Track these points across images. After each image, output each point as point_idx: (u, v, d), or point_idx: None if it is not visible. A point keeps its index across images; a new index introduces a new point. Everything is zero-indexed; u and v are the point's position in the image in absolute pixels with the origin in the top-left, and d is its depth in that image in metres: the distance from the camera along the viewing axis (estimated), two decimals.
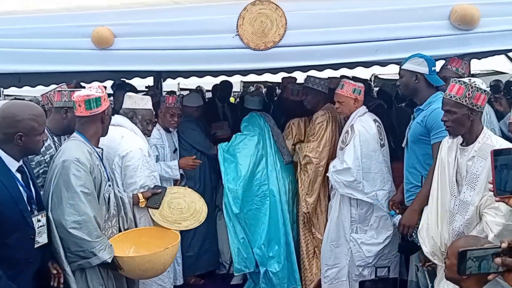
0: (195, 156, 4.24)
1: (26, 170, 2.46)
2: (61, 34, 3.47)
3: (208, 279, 4.67)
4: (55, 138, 3.10)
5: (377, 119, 3.84)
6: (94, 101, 2.74)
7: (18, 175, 2.39)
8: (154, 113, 3.61)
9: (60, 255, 2.55)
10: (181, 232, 4.25)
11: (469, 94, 2.50)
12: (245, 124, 4.40)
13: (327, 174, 3.91)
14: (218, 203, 4.94)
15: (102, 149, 2.94)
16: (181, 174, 4.23)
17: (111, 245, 2.69)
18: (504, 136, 3.83)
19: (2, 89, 7.51)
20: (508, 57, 7.17)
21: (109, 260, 2.61)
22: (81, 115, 2.77)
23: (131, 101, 3.47)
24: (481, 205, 2.51)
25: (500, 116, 4.44)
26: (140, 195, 3.12)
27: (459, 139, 2.65)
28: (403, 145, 3.34)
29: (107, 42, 3.38)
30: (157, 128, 4.09)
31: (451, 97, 2.56)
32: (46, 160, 2.92)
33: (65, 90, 3.04)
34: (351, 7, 3.34)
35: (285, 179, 4.25)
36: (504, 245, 1.49)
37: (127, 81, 5.69)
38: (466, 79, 2.57)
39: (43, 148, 2.85)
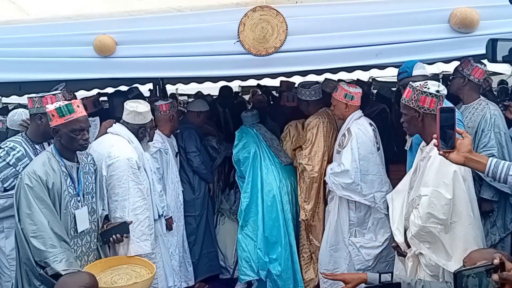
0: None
1: None
2: (63, 43, 3.47)
3: (212, 284, 4.69)
4: (37, 146, 3.08)
5: (372, 123, 3.86)
6: (49, 115, 2.72)
7: None
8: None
9: (31, 262, 2.55)
10: (188, 238, 4.24)
11: (414, 97, 2.60)
12: (238, 137, 4.44)
13: (325, 179, 3.91)
14: (221, 208, 4.97)
15: (79, 163, 2.88)
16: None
17: (72, 261, 2.61)
18: None
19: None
20: None
21: (63, 273, 2.49)
22: None
23: (140, 117, 3.35)
24: (413, 202, 2.62)
25: None
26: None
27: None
28: (406, 148, 3.35)
29: (109, 50, 3.39)
30: (157, 133, 4.10)
31: (403, 99, 2.69)
32: (19, 171, 2.93)
33: (35, 97, 2.95)
34: (351, 12, 3.35)
35: (286, 180, 4.27)
36: (496, 261, 1.53)
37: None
38: (417, 83, 2.64)
39: (14, 160, 2.94)
